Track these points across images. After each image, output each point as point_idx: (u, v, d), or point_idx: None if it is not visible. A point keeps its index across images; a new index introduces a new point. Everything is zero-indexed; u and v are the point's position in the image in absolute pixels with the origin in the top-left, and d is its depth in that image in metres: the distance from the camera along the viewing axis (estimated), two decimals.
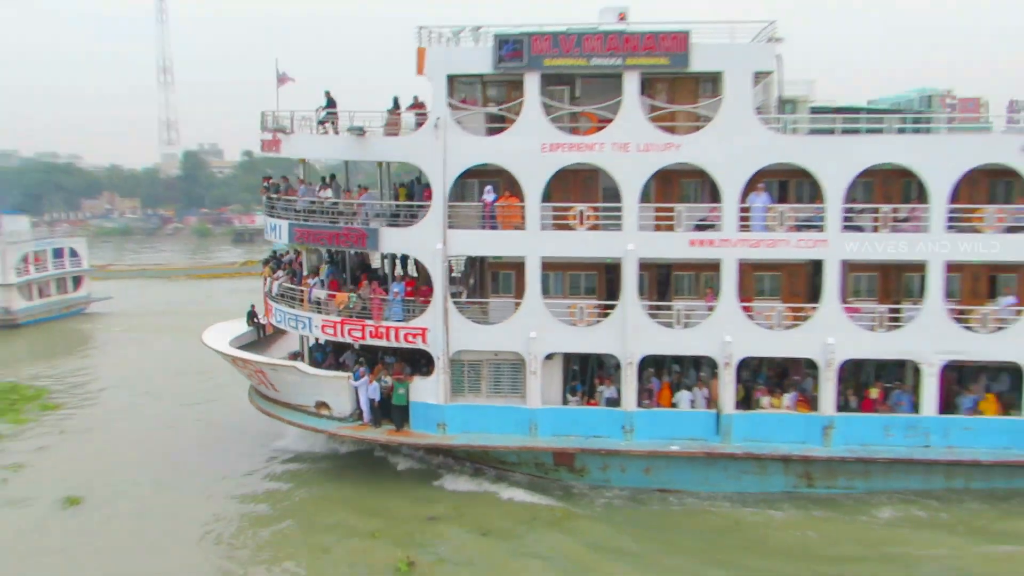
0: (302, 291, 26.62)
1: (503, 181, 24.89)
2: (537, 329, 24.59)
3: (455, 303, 25.19)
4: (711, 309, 24.40)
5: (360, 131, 24.77)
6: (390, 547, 22.14)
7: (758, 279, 25.38)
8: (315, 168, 30.83)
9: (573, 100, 25.14)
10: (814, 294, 24.68)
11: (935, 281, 23.60)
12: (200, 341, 29.04)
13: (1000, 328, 23.73)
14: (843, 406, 24.42)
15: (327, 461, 28.39)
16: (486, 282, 26.42)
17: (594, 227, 24.45)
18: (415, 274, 27.19)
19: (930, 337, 23.68)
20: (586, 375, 25.99)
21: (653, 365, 25.55)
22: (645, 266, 25.28)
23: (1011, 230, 23.54)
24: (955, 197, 24.04)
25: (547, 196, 24.91)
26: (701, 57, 23.49)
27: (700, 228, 24.37)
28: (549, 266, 25.27)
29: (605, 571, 21.07)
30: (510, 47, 23.82)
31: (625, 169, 23.91)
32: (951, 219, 23.48)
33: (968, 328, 23.79)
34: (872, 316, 24.17)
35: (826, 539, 22.34)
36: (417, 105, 25.17)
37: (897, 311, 24.25)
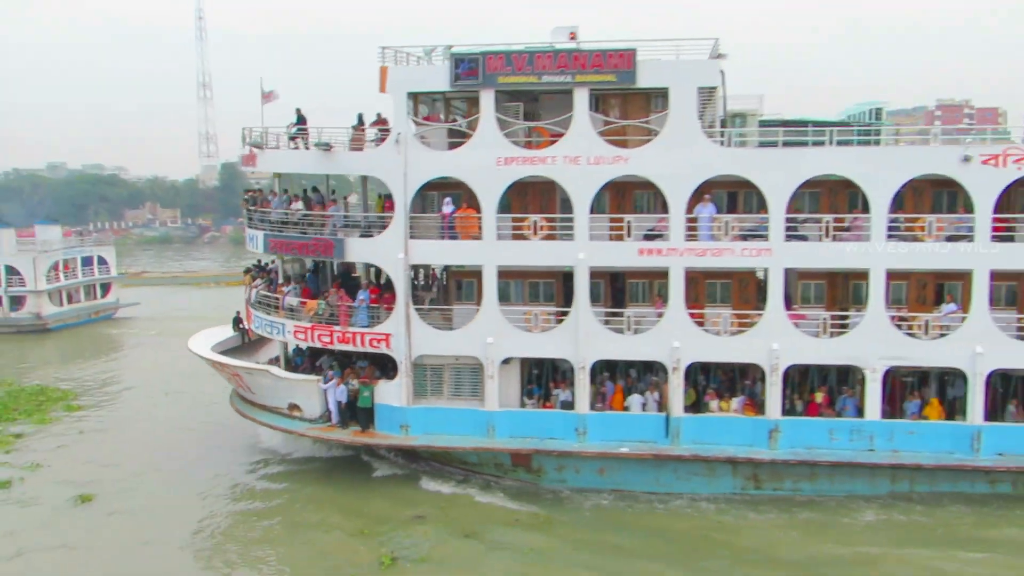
0: (277, 298, 28.02)
1: (463, 193, 26.03)
2: (494, 335, 25.67)
3: (418, 309, 26.39)
4: (660, 316, 25.26)
5: (326, 147, 26.16)
6: (373, 545, 23.04)
7: (710, 286, 26.18)
8: (300, 181, 32.26)
9: (536, 115, 26.21)
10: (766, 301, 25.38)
11: (877, 288, 24.20)
12: (186, 346, 30.58)
13: (943, 335, 24.24)
14: (789, 410, 25.12)
15: (314, 463, 29.47)
16: (450, 289, 27.60)
17: (550, 237, 25.47)
18: None
19: (873, 343, 24.27)
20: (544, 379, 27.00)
21: (609, 369, 26.52)
22: (601, 274, 26.31)
23: (952, 239, 24.07)
24: (900, 206, 24.74)
25: (507, 207, 26.09)
26: (647, 74, 24.43)
27: (649, 237, 25.26)
28: (509, 274, 26.40)
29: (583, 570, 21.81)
30: (466, 65, 24.98)
31: (576, 181, 24.90)
32: (891, 228, 24.09)
33: (911, 335, 24.35)
34: (817, 323, 24.82)
35: (806, 543, 22.76)
36: (380, 121, 26.47)
37: (842, 318, 24.89)
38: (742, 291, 25.94)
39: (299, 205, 27.52)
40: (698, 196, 24.76)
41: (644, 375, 26.75)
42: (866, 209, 24.28)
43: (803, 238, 24.63)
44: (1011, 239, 23.81)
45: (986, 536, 22.83)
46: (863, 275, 24.70)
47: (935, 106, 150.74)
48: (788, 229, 24.43)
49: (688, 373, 25.85)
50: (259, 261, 32.00)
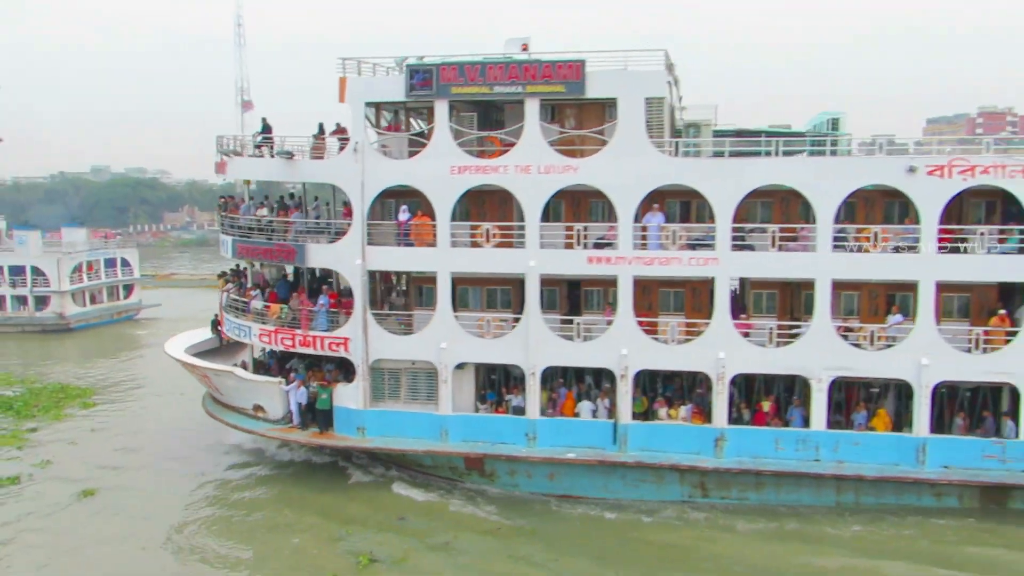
0: (245, 302, 28.85)
1: (421, 201, 26.59)
2: (447, 340, 26.18)
3: (376, 314, 26.99)
4: (610, 323, 25.54)
5: (289, 155, 26.93)
6: (351, 546, 23.47)
7: (663, 295, 26.37)
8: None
9: (501, 124, 26.69)
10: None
11: (823, 299, 24.22)
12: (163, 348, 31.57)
13: (888, 346, 24.17)
14: (737, 419, 25.22)
15: (295, 467, 30.06)
16: (412, 295, 28.17)
17: (504, 244, 25.90)
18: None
19: (818, 353, 24.28)
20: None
21: (566, 376, 26.85)
22: (557, 281, 26.73)
23: (899, 250, 23.99)
24: (852, 217, 24.75)
25: (466, 215, 26.62)
26: (595, 84, 24.79)
27: (600, 246, 25.56)
28: (468, 281, 26.96)
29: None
30: (420, 76, 25.56)
31: (527, 190, 25.32)
32: (839, 239, 24.10)
33: (856, 345, 24.30)
34: (765, 332, 24.89)
35: (796, 554, 22.63)
36: (340, 131, 27.15)
37: (789, 327, 24.93)
38: (695, 300, 26.08)
39: (264, 212, 28.29)
40: (649, 205, 25.02)
41: (604, 381, 27.02)
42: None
43: (751, 248, 24.74)
44: (958, 250, 23.61)
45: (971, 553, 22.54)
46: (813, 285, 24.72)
47: (976, 113, 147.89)
48: (737, 239, 24.58)
49: (644, 381, 26.16)
50: (237, 265, 32.85)
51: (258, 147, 28.05)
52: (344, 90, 26.23)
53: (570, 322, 25.97)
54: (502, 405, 26.74)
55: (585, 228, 25.52)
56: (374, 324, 26.75)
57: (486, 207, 26.75)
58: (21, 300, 63.42)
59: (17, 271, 63.35)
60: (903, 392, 24.91)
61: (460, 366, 26.53)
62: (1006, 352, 23.48)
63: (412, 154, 26.52)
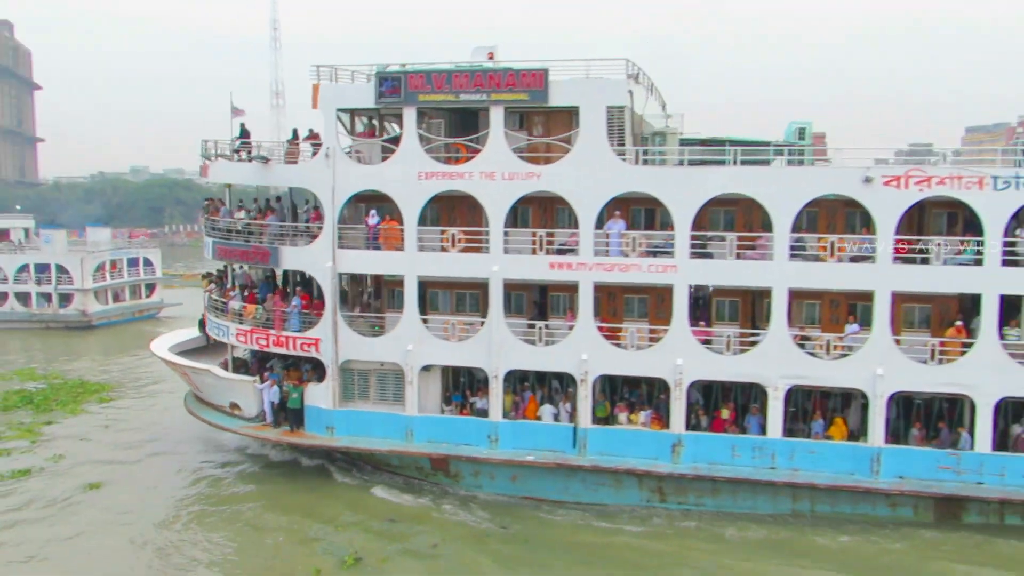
0: (224, 303, 29.65)
1: (391, 206, 27.14)
2: (414, 342, 26.70)
3: (346, 316, 27.61)
4: (571, 328, 25.85)
5: (264, 160, 27.69)
6: (338, 545, 23.82)
7: (628, 301, 26.65)
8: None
9: (476, 131, 27.02)
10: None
11: (779, 307, 24.30)
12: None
13: (844, 355, 24.18)
14: (695, 425, 25.38)
15: (282, 468, 30.35)
16: (384, 297, 28.75)
17: (470, 249, 26.34)
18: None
19: (774, 362, 24.37)
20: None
21: (530, 380, 27.21)
22: (524, 286, 27.12)
23: (856, 259, 24.00)
24: (813, 226, 24.84)
25: (436, 219, 27.17)
26: (558, 93, 25.16)
27: (562, 252, 25.89)
28: (438, 284, 27.52)
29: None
30: (389, 84, 26.14)
31: (491, 196, 25.76)
32: (796, 248, 24.19)
33: (812, 354, 24.35)
34: (724, 339, 25.04)
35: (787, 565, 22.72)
36: (313, 136, 27.83)
37: (748, 335, 25.04)
38: (659, 306, 26.30)
39: (241, 215, 29.06)
40: (608, 212, 25.32)
41: (570, 386, 27.31)
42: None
43: (710, 256, 24.91)
44: (915, 261, 23.57)
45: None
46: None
47: (1017, 122, 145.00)
48: (697, 246, 24.77)
49: (609, 386, 26.43)
50: (224, 267, 33.71)
51: (236, 152, 28.79)
52: (316, 97, 26.89)
53: (533, 326, 26.33)
54: (467, 407, 27.16)
55: (548, 234, 25.87)
56: (344, 326, 27.36)
57: (456, 212, 27.27)
58: (46, 297, 65.45)
59: (42, 269, 65.40)
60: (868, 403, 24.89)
61: (427, 368, 27.04)
62: (962, 363, 23.38)
63: (385, 159, 27.10)
